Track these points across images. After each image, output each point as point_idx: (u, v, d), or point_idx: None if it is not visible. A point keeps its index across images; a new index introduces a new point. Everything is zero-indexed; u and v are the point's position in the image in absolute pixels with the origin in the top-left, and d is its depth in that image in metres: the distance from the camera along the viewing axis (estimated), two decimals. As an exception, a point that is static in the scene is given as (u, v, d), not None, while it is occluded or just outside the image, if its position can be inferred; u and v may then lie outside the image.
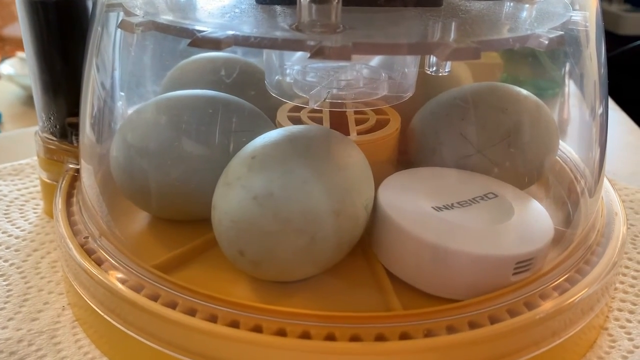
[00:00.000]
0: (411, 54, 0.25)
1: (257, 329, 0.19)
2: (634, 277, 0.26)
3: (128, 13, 0.21)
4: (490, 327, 0.19)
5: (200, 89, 0.26)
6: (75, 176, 0.28)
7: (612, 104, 0.51)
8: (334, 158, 0.21)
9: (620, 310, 0.25)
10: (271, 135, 0.22)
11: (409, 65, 0.27)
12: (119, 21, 0.21)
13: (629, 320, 0.24)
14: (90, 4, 0.28)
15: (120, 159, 0.25)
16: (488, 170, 0.25)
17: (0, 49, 0.79)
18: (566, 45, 0.24)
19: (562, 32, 0.20)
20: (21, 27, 0.28)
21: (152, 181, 0.24)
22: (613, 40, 0.88)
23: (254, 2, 0.21)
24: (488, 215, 0.22)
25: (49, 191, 0.30)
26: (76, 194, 0.26)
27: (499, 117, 0.26)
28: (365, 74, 0.27)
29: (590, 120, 0.27)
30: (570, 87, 0.29)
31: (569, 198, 0.28)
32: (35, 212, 0.31)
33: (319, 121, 0.27)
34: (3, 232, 0.29)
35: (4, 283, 0.25)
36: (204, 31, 0.18)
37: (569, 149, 0.31)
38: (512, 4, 0.23)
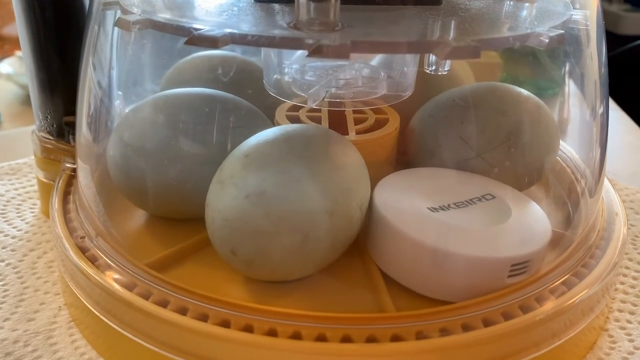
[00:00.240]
0: (410, 53, 0.25)
1: (248, 329, 0.18)
2: (635, 278, 0.26)
3: (125, 11, 0.21)
4: (484, 330, 0.19)
5: (198, 87, 0.26)
6: (72, 176, 0.28)
7: (612, 103, 0.51)
8: (328, 157, 0.21)
9: (620, 311, 0.24)
10: (265, 134, 0.22)
11: (408, 64, 0.27)
12: (116, 19, 0.21)
13: (629, 322, 0.24)
14: (87, 2, 0.27)
15: (116, 158, 0.25)
16: (487, 173, 0.25)
17: (-1, 47, 0.79)
18: (566, 44, 0.24)
19: (563, 31, 0.20)
20: (18, 26, 0.28)
21: (149, 180, 0.24)
22: (613, 40, 0.88)
23: (252, 1, 0.21)
24: (484, 216, 0.22)
25: (46, 191, 0.30)
26: (73, 193, 0.26)
27: (499, 120, 0.25)
28: (364, 73, 0.27)
29: (591, 120, 0.27)
30: (571, 86, 0.29)
31: (569, 198, 0.28)
32: (32, 212, 0.31)
33: (318, 120, 0.27)
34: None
35: (0, 283, 0.25)
36: (200, 29, 0.18)
37: (570, 149, 0.31)
38: (512, 2, 0.22)
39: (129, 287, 0.20)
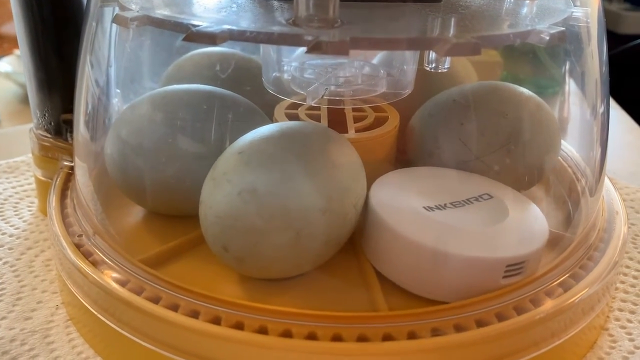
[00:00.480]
0: (410, 49, 0.25)
1: (239, 326, 0.18)
2: (635, 277, 0.26)
3: (123, 8, 0.21)
4: (476, 331, 0.18)
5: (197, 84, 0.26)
6: (70, 174, 0.27)
7: (612, 102, 0.51)
8: (322, 155, 0.21)
9: (621, 310, 0.24)
10: (260, 131, 0.22)
11: (407, 62, 0.27)
12: (114, 16, 0.21)
13: (629, 321, 0.24)
14: (85, -1, 0.27)
15: (114, 155, 0.24)
16: (487, 175, 0.25)
17: (-3, 46, 0.79)
18: (567, 42, 0.24)
19: (564, 28, 0.19)
20: (15, 24, 0.27)
21: (147, 177, 0.24)
22: (613, 39, 0.88)
23: (251, -3, 0.21)
24: (480, 216, 0.21)
25: (43, 189, 0.30)
26: (70, 191, 0.26)
27: (499, 122, 0.25)
28: (363, 71, 0.27)
29: (591, 119, 0.26)
30: (571, 85, 0.29)
31: (569, 197, 0.28)
32: (29, 210, 0.31)
33: (317, 118, 0.27)
34: (-3, 230, 0.29)
35: (-3, 281, 0.25)
36: (199, 26, 0.18)
37: (570, 147, 0.31)
38: (512, -1, 0.22)
39: (129, 287, 0.20)
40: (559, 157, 0.30)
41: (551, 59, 0.31)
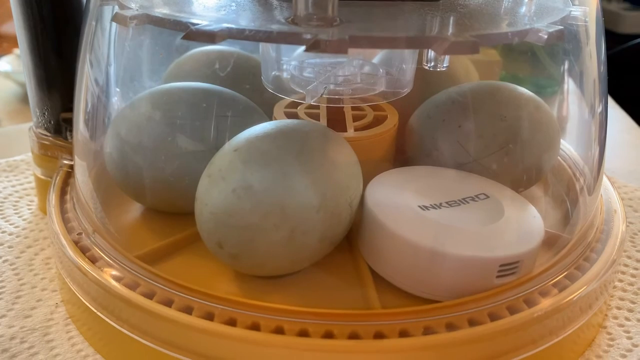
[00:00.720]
0: (409, 48, 0.25)
1: (232, 323, 0.18)
2: (633, 275, 0.26)
3: (122, 6, 0.21)
4: (468, 330, 0.18)
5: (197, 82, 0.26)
6: (69, 172, 0.27)
7: (611, 102, 0.51)
8: (317, 153, 0.21)
9: (619, 308, 0.24)
10: (256, 129, 0.22)
11: (406, 61, 0.27)
12: (113, 14, 0.21)
13: (627, 319, 0.24)
14: (84, -2, 0.27)
15: (113, 153, 0.25)
16: (485, 176, 0.25)
17: (-3, 45, 0.79)
18: (565, 41, 0.24)
19: (562, 27, 0.19)
20: (15, 23, 0.27)
21: (146, 175, 0.24)
22: (612, 38, 0.88)
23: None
24: (476, 216, 0.21)
25: (43, 187, 0.30)
26: (70, 190, 0.26)
27: (498, 125, 0.25)
28: (362, 70, 0.27)
29: (590, 118, 0.26)
30: (570, 84, 0.29)
31: (567, 196, 0.28)
32: (29, 209, 0.31)
33: (316, 117, 0.27)
34: (-3, 229, 0.29)
35: (-3, 280, 0.25)
36: (198, 24, 0.18)
37: (568, 146, 0.31)
38: (511, -2, 0.22)
39: (128, 285, 0.20)
40: (558, 156, 0.30)
41: (550, 58, 0.31)
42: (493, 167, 0.25)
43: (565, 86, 0.30)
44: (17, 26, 0.28)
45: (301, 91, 0.26)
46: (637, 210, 0.32)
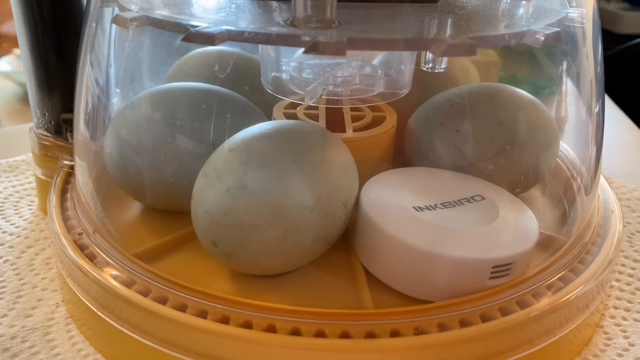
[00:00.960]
0: (407, 50, 0.25)
1: (225, 321, 0.19)
2: (630, 275, 0.26)
3: (122, 8, 0.21)
4: (459, 331, 0.18)
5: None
6: (70, 173, 0.28)
7: (610, 102, 0.51)
8: (311, 153, 0.21)
9: (616, 308, 0.24)
10: (252, 129, 0.22)
11: (405, 62, 0.27)
12: (113, 16, 0.21)
13: (624, 318, 0.24)
14: (84, -1, 0.27)
15: (113, 154, 0.25)
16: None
17: (-3, 45, 0.79)
18: (563, 42, 0.24)
19: (559, 29, 0.20)
20: (15, 23, 0.28)
21: (145, 174, 0.24)
22: (611, 38, 0.88)
23: (250, -2, 0.21)
24: (470, 217, 0.21)
25: (43, 188, 0.30)
26: (70, 190, 0.26)
27: (495, 130, 0.25)
28: (361, 71, 0.27)
29: (587, 119, 0.27)
30: (567, 85, 0.29)
31: (565, 196, 0.28)
32: (30, 209, 0.31)
33: (315, 118, 0.27)
34: (-3, 229, 0.29)
35: (-2, 280, 0.25)
36: (198, 26, 0.18)
37: (566, 146, 0.31)
38: (508, 0, 0.22)
39: (128, 284, 0.20)
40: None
41: (548, 59, 0.32)
42: (490, 171, 0.25)
43: (563, 87, 0.30)
44: (17, 27, 0.28)
45: (300, 92, 0.26)
46: (635, 211, 0.32)
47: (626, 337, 0.23)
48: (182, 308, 0.19)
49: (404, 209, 0.21)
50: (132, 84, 0.31)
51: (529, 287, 0.20)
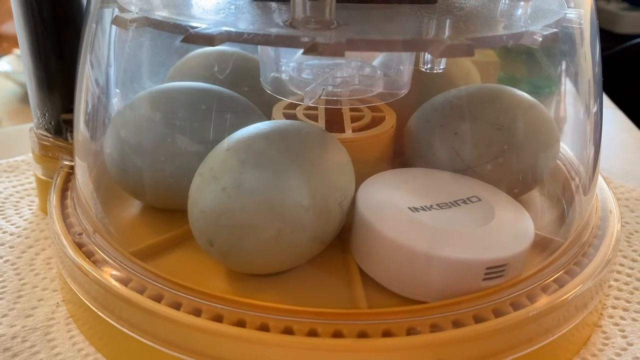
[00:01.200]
0: (405, 51, 0.25)
1: (218, 319, 0.19)
2: (628, 275, 0.27)
3: (122, 9, 0.21)
4: (452, 331, 0.19)
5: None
6: (70, 173, 0.28)
7: (609, 102, 0.51)
8: (307, 152, 0.21)
9: (614, 307, 0.25)
10: (247, 129, 0.22)
11: (404, 63, 0.27)
12: (113, 17, 0.21)
13: (622, 318, 0.24)
14: (84, 0, 0.27)
15: (113, 154, 0.25)
16: None
17: (-3, 46, 0.79)
18: (561, 43, 0.24)
19: (557, 30, 0.20)
20: (15, 23, 0.28)
21: (145, 174, 0.24)
22: (611, 38, 0.88)
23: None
24: (465, 218, 0.21)
25: (44, 188, 0.30)
26: (70, 190, 0.26)
27: (494, 134, 0.25)
28: (360, 72, 0.27)
29: (585, 119, 0.27)
30: (566, 85, 0.29)
31: (563, 195, 0.28)
32: (30, 209, 0.31)
33: (315, 118, 0.27)
34: (-2, 229, 0.29)
35: (-2, 279, 0.25)
36: (197, 27, 0.18)
37: (564, 146, 0.31)
38: (507, 1, 0.23)
39: (125, 282, 0.20)
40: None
41: (547, 59, 0.32)
42: (488, 174, 0.25)
43: (562, 87, 0.30)
44: (17, 27, 0.28)
45: (300, 92, 0.26)
46: (634, 211, 0.32)
47: (624, 337, 0.23)
48: (177, 306, 0.19)
49: (400, 210, 0.21)
50: (131, 84, 0.31)
51: (523, 288, 0.20)
